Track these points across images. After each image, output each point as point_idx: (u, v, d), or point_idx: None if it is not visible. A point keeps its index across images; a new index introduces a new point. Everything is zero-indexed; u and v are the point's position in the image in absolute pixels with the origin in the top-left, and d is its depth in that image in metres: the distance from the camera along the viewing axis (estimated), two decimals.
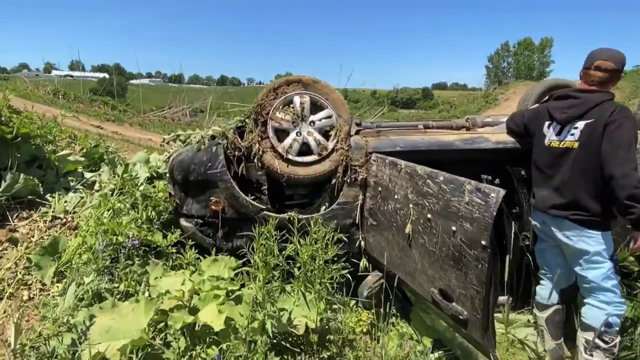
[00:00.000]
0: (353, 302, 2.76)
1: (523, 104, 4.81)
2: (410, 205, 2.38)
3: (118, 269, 2.60)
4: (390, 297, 2.72)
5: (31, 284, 3.02)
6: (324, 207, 2.97)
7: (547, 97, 4.78)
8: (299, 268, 2.32)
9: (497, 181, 2.93)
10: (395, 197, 2.54)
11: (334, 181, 2.92)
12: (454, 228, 2.04)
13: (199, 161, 2.97)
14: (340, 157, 2.90)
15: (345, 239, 2.50)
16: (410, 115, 25.11)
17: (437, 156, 2.97)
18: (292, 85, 2.93)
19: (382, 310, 2.61)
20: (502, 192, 1.83)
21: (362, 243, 2.95)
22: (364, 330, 2.73)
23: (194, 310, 2.17)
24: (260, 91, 2.92)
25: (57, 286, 2.90)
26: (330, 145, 2.91)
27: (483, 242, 1.87)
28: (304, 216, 2.90)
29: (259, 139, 2.85)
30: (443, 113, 22.21)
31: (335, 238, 2.34)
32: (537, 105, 2.98)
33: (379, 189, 2.74)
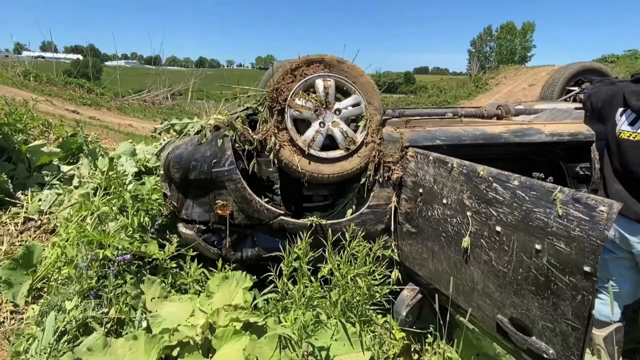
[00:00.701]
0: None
1: (548, 90, 4.44)
2: (468, 214, 1.96)
3: (107, 291, 2.12)
4: (434, 314, 2.33)
5: (0, 305, 2.52)
6: (350, 211, 2.52)
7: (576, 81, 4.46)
8: (332, 288, 1.90)
9: (550, 179, 2.53)
10: (444, 201, 2.12)
11: (363, 180, 2.48)
12: (538, 246, 1.64)
13: (202, 157, 2.48)
14: (371, 152, 2.45)
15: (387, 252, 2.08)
16: (400, 100, 24.63)
17: (482, 151, 2.56)
18: (313, 65, 2.44)
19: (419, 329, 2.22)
20: (617, 205, 1.42)
21: (395, 252, 2.54)
22: (397, 351, 2.34)
23: (209, 350, 1.72)
24: (276, 73, 2.43)
25: (33, 308, 2.41)
26: (359, 137, 2.45)
27: (586, 269, 1.47)
28: (330, 221, 2.46)
29: (275, 131, 2.38)
30: (433, 98, 21.85)
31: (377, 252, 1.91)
32: (612, 86, 2.52)
33: (420, 190, 2.31)
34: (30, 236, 3.23)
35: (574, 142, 2.58)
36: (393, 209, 2.49)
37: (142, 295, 2.18)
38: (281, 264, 1.77)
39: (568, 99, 4.28)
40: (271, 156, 2.38)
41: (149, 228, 2.50)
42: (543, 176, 2.54)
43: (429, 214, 2.24)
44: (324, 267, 1.85)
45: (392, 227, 2.51)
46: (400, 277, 2.49)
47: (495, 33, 46.53)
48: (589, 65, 4.40)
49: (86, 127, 8.08)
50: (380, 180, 2.48)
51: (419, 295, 2.45)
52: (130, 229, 2.40)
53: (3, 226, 3.32)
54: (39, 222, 3.42)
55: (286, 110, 2.37)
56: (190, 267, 2.40)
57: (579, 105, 3.90)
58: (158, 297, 2.24)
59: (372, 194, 2.49)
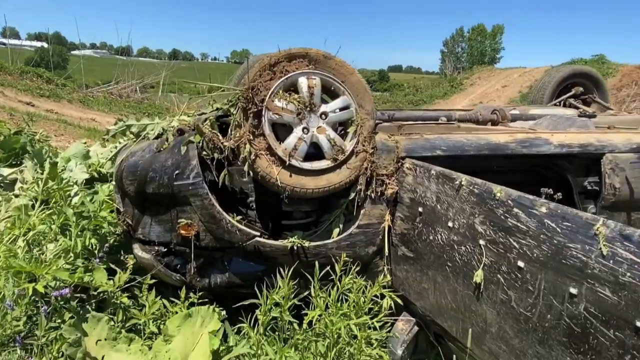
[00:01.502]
0: None
1: (538, 94, 4.22)
2: (481, 242, 1.65)
3: (36, 337, 1.69)
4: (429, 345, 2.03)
5: None
6: (337, 230, 2.18)
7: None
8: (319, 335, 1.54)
9: (558, 196, 2.27)
10: (450, 224, 1.81)
11: (352, 195, 2.13)
12: (573, 290, 1.33)
13: (161, 166, 2.08)
14: (362, 163, 2.11)
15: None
16: (376, 98, 24.41)
17: (487, 162, 2.26)
18: (296, 61, 2.07)
19: None
20: None
21: (388, 277, 2.21)
22: None
23: None
24: (252, 68, 2.04)
25: None
26: (349, 146, 2.10)
27: (639, 324, 1.17)
28: (314, 243, 2.11)
29: (250, 137, 1.99)
30: (409, 97, 21.78)
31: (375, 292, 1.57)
32: None
33: (419, 209, 1.99)
34: None
35: (584, 154, 2.33)
36: (386, 229, 2.17)
37: (83, 340, 1.76)
38: (256, 312, 1.40)
39: (558, 104, 4.10)
40: (245, 167, 2.00)
41: (96, 252, 2.07)
42: (552, 192, 2.28)
43: (431, 237, 1.92)
44: (310, 313, 1.49)
45: (385, 249, 2.18)
46: (392, 305, 2.17)
47: (467, 34, 47.20)
48: (580, 69, 4.22)
49: (41, 121, 7.39)
50: (372, 195, 2.14)
51: (416, 328, 2.14)
52: (72, 254, 1.97)
53: None
54: None
55: (264, 112, 2.00)
56: (146, 301, 1.98)
57: (575, 111, 3.70)
58: (105, 339, 1.83)
59: (362, 212, 2.15)
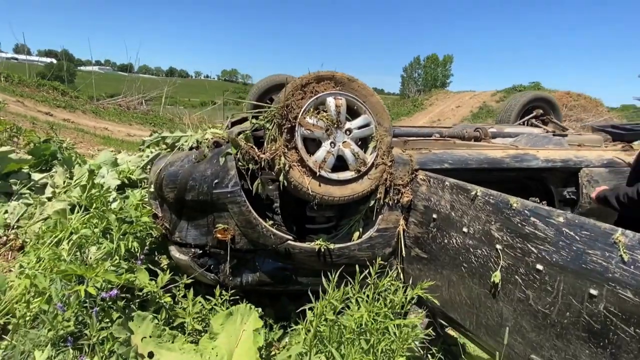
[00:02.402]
0: None
1: (505, 114, 4.26)
2: (498, 247, 1.59)
3: (87, 337, 1.52)
4: (437, 335, 1.96)
5: None
6: (357, 234, 2.08)
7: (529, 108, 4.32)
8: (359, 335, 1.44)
9: (543, 203, 2.25)
10: (465, 230, 1.74)
11: (372, 202, 2.05)
12: (593, 292, 1.29)
13: (201, 176, 1.94)
14: (381, 174, 2.03)
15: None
16: None
17: (485, 176, 2.22)
18: (324, 82, 1.97)
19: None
20: None
21: (401, 275, 2.14)
22: None
23: None
24: (285, 89, 1.93)
25: None
26: (370, 159, 2.02)
27: None
28: (338, 245, 2.01)
29: (285, 150, 1.88)
30: None
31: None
32: None
33: (434, 215, 1.92)
34: None
35: (565, 168, 2.32)
36: (401, 232, 2.09)
37: (132, 338, 1.60)
38: (308, 315, 1.28)
39: (522, 123, 4.14)
40: (280, 177, 1.88)
41: (137, 254, 1.90)
42: (538, 200, 2.25)
43: (445, 241, 1.85)
44: (356, 313, 1.39)
45: (399, 250, 2.11)
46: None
47: (422, 62, 48.13)
48: (540, 95, 4.29)
49: (60, 129, 6.99)
50: (390, 203, 2.06)
51: (426, 320, 2.07)
52: (117, 257, 1.80)
53: None
54: (5, 237, 2.66)
55: (296, 128, 1.89)
56: (186, 300, 1.83)
57: (539, 129, 3.75)
58: (150, 337, 1.67)
59: (380, 217, 2.07)
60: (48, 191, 3.11)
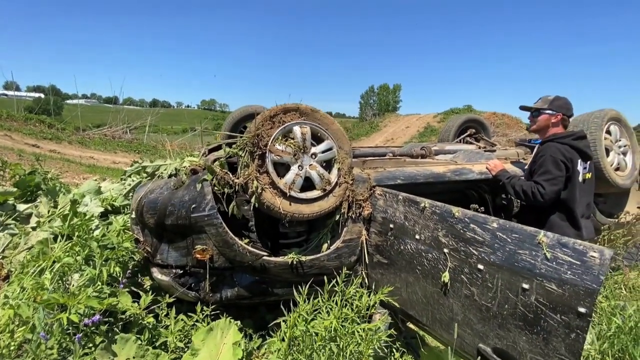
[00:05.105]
0: None
1: (444, 134, 4.44)
2: (445, 250, 1.61)
3: None
4: (399, 332, 1.94)
5: None
6: (325, 245, 2.05)
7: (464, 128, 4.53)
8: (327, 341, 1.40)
9: (481, 209, 2.33)
10: (417, 237, 1.76)
11: (337, 217, 2.03)
12: (525, 286, 1.32)
13: (180, 201, 1.84)
14: (344, 191, 2.02)
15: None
16: None
17: (431, 188, 2.27)
18: (290, 113, 1.96)
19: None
20: (609, 253, 1.16)
21: (365, 279, 2.12)
22: None
23: None
24: (255, 120, 1.90)
25: None
26: (334, 179, 2.01)
27: (582, 310, 1.18)
28: (309, 257, 1.96)
29: (257, 175, 1.83)
30: None
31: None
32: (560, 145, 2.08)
33: (390, 225, 1.93)
34: None
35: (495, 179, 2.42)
36: (364, 242, 2.08)
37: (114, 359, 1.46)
38: (279, 331, 1.22)
39: (459, 141, 4.33)
40: (252, 199, 1.83)
41: (119, 278, 1.76)
42: (477, 207, 2.33)
43: (402, 247, 1.86)
44: (325, 322, 1.35)
45: (363, 257, 2.09)
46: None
47: (376, 90, 49.85)
48: (472, 117, 4.51)
49: (46, 160, 6.51)
50: (353, 216, 2.05)
51: (389, 319, 2.05)
52: (99, 283, 1.65)
53: None
54: None
55: (267, 155, 1.85)
56: (168, 318, 1.71)
57: (473, 145, 3.92)
58: (134, 358, 1.53)
59: (345, 229, 2.05)
60: (33, 221, 2.85)
